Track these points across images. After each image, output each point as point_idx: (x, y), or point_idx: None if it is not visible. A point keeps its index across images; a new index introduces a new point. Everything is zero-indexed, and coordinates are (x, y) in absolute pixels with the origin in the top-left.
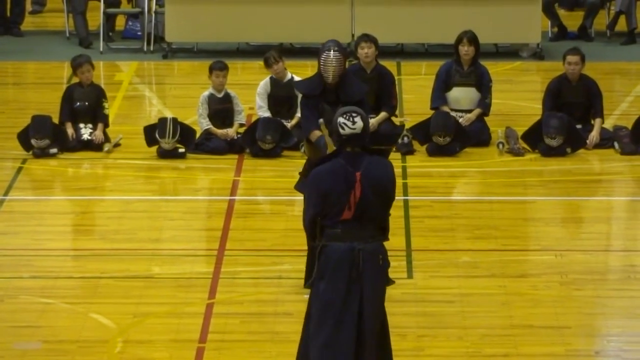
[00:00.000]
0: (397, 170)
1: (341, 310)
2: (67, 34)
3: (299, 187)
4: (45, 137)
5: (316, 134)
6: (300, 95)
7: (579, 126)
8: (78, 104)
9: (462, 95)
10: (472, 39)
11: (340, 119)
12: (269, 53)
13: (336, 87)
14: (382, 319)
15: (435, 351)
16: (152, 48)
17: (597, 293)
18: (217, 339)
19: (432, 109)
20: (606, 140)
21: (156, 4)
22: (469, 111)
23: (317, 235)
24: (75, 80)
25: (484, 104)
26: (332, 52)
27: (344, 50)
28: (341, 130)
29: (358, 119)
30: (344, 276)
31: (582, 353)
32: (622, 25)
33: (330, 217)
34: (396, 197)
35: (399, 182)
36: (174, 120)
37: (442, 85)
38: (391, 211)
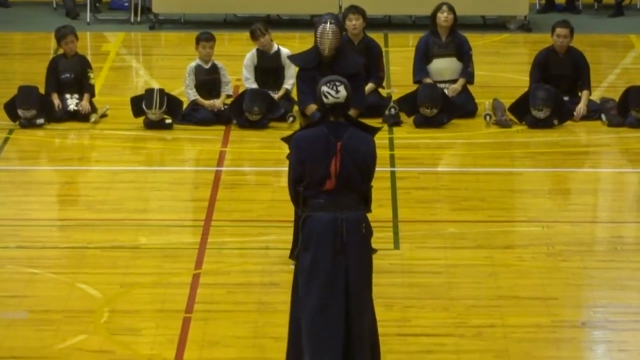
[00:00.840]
0: (384, 142)
1: (328, 278)
2: (54, 5)
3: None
4: (32, 108)
5: (311, 107)
6: (287, 67)
7: (566, 98)
8: (64, 75)
9: (443, 66)
10: (451, 7)
11: (324, 88)
12: (255, 26)
13: (332, 60)
14: (368, 288)
15: (421, 322)
16: (139, 19)
17: (584, 264)
18: (204, 309)
19: (415, 82)
20: (593, 112)
21: None
22: (453, 82)
23: (300, 204)
24: (60, 51)
25: (467, 73)
26: (328, 25)
27: (340, 23)
28: (325, 99)
29: (342, 88)
30: (328, 246)
31: (568, 324)
32: None
33: (313, 187)
34: (383, 169)
35: (386, 153)
36: (161, 91)
37: (423, 57)
38: (375, 183)
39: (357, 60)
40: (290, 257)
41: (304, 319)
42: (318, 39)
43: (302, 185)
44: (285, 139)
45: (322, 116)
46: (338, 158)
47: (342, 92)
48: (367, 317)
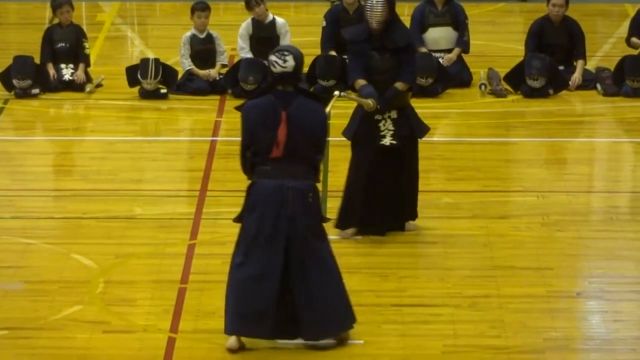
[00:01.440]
0: None
1: (267, 245)
2: None
3: (345, 132)
4: (27, 78)
5: (359, 82)
6: (282, 36)
7: (561, 67)
8: (59, 45)
9: (439, 35)
10: None
11: (272, 57)
12: None
13: (381, 34)
14: (320, 255)
15: (416, 292)
16: None
17: (579, 234)
18: (199, 279)
19: None
20: (588, 81)
21: None
22: (448, 51)
23: (248, 172)
24: (56, 21)
25: (463, 42)
26: None
27: None
28: (272, 68)
29: (289, 58)
30: (272, 212)
31: (563, 294)
32: None
33: (260, 155)
34: None
35: None
36: (156, 60)
37: (418, 26)
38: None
39: (407, 33)
40: (234, 219)
41: (235, 281)
42: (367, 12)
43: (249, 153)
44: (237, 108)
45: (270, 85)
46: (284, 126)
47: (290, 61)
48: (321, 282)
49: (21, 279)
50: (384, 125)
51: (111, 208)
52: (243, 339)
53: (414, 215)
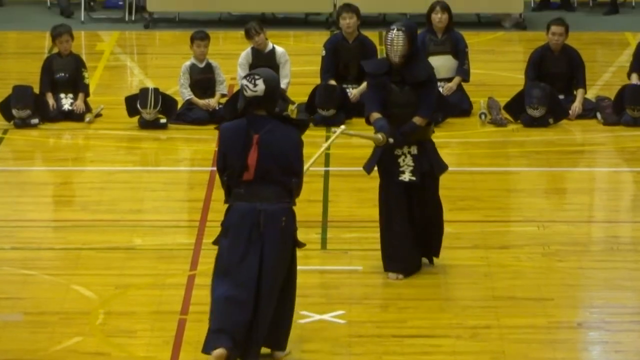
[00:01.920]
0: None
1: (240, 268)
2: (48, 4)
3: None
4: (26, 108)
5: (374, 115)
6: (282, 66)
7: (561, 97)
8: (58, 75)
9: (439, 64)
10: (445, 6)
11: (244, 81)
12: (250, 25)
13: (401, 67)
14: (286, 278)
15: (417, 323)
16: (133, 18)
17: (580, 264)
18: (199, 310)
19: None
20: (588, 110)
21: None
22: (448, 79)
23: (225, 194)
24: (55, 50)
25: (463, 71)
26: (394, 31)
27: (409, 30)
28: (244, 92)
29: (260, 82)
30: (244, 235)
31: (564, 325)
32: None
33: (234, 178)
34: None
35: None
36: (156, 90)
37: None
38: (371, 183)
39: (427, 67)
40: (213, 242)
41: (212, 302)
42: (387, 46)
43: (225, 175)
44: (216, 127)
45: (243, 109)
46: (255, 150)
47: (260, 85)
48: (275, 305)
49: (21, 310)
50: (404, 160)
51: (111, 239)
52: None
53: (437, 253)
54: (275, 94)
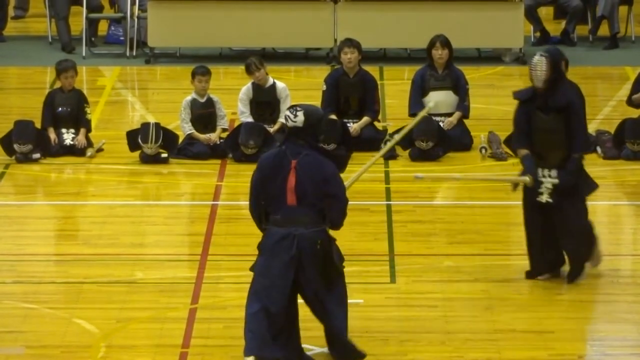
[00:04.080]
0: (380, 175)
1: (275, 285)
2: (50, 39)
3: None
4: (28, 142)
5: (522, 152)
6: (282, 101)
7: None
8: (60, 109)
9: (440, 99)
10: (445, 42)
11: (287, 112)
12: (250, 60)
13: (545, 93)
14: (333, 291)
15: (417, 356)
16: (134, 53)
17: (581, 297)
18: (200, 344)
19: (410, 115)
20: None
21: (139, 9)
22: (448, 115)
23: (261, 220)
24: (57, 85)
25: (464, 107)
26: (536, 57)
27: (553, 55)
28: (286, 122)
29: (300, 114)
30: (280, 257)
31: (565, 358)
32: (604, 30)
33: (271, 203)
34: (379, 202)
35: (382, 187)
36: (157, 125)
37: (419, 90)
38: (371, 217)
39: (569, 92)
40: (250, 268)
41: (246, 314)
42: (530, 71)
43: (262, 202)
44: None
45: (284, 138)
46: (293, 174)
47: (300, 117)
48: (332, 322)
49: (23, 344)
50: (544, 183)
51: (112, 272)
52: None
53: (573, 275)
54: (315, 128)
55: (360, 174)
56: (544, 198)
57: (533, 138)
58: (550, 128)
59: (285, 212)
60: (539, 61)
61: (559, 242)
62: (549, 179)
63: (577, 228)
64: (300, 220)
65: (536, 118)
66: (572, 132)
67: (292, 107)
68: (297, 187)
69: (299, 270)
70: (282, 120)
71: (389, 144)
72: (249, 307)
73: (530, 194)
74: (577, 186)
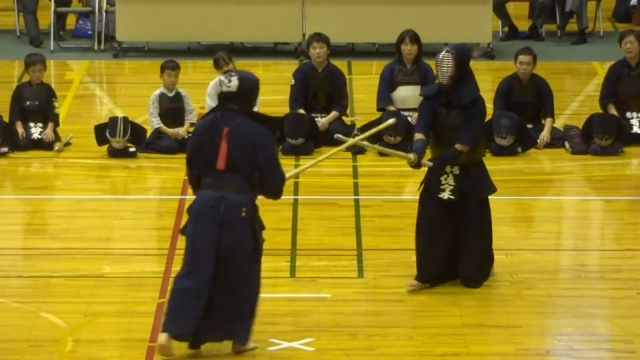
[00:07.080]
0: (348, 170)
1: (201, 257)
2: (18, 33)
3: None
4: None
5: (416, 136)
6: None
7: (529, 126)
8: (28, 103)
9: (408, 94)
10: (414, 37)
11: (221, 77)
12: (219, 55)
13: (450, 89)
14: (247, 271)
15: (385, 350)
16: (102, 47)
17: (548, 292)
18: None
19: (378, 110)
20: (557, 139)
21: (107, 3)
22: (416, 109)
23: (194, 185)
24: (25, 79)
25: None
26: (443, 53)
27: (459, 52)
28: (220, 87)
29: (234, 79)
30: (205, 221)
31: (532, 352)
32: (572, 25)
33: (204, 168)
34: (347, 197)
35: (349, 181)
36: (125, 119)
37: (387, 85)
38: (339, 211)
39: (473, 90)
40: (179, 231)
41: (172, 290)
42: (437, 67)
43: (195, 166)
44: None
45: (218, 104)
46: (224, 141)
47: (234, 82)
48: (242, 291)
49: None
50: (445, 179)
51: (80, 266)
52: None
53: (474, 280)
54: (249, 93)
55: (311, 165)
56: (446, 195)
57: (438, 134)
58: (452, 125)
59: (215, 177)
60: (445, 57)
61: (457, 238)
62: (451, 176)
63: (481, 228)
64: (230, 185)
65: (439, 114)
66: (466, 126)
67: (227, 72)
68: (228, 153)
69: (221, 233)
70: (220, 80)
71: (346, 144)
72: (176, 282)
73: (432, 190)
74: (476, 187)
